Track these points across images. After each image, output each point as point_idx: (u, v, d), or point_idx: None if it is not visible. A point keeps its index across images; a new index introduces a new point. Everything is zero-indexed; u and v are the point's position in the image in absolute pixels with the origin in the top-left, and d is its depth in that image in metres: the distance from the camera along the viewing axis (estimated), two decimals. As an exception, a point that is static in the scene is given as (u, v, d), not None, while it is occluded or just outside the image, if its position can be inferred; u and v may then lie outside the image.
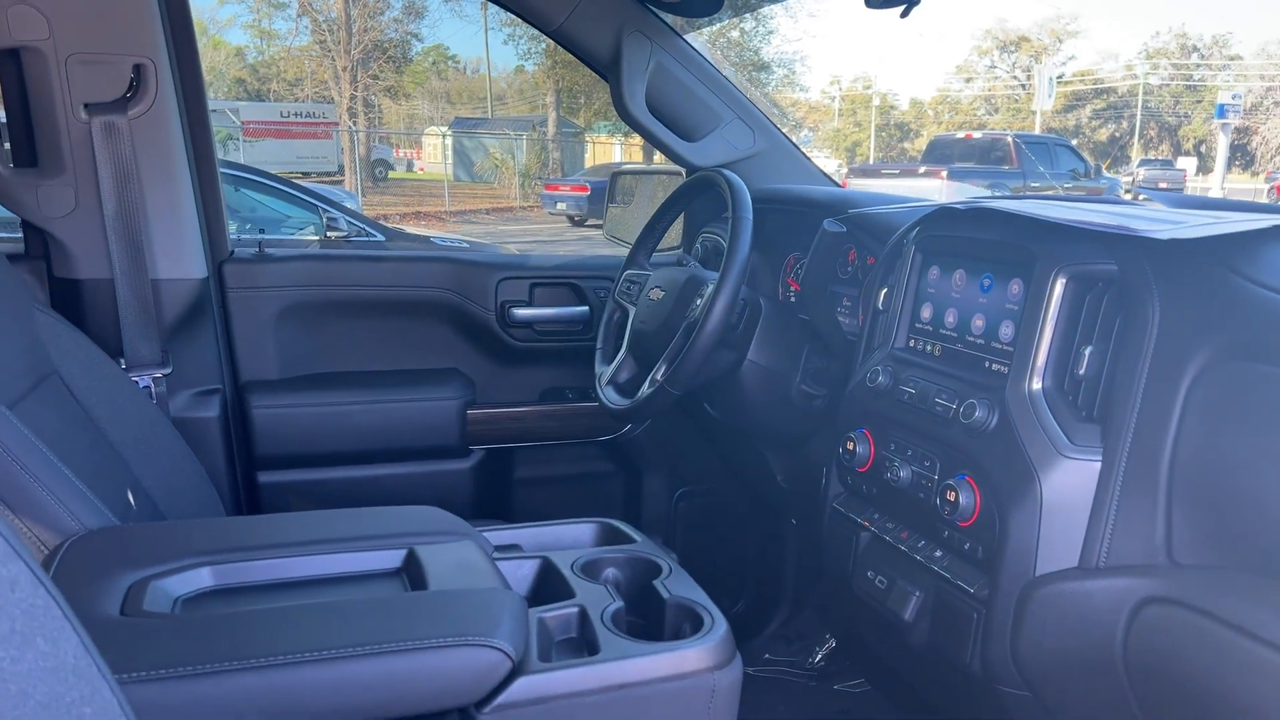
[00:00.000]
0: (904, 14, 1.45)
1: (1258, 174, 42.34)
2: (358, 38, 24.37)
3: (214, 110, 1.86)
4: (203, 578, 1.00)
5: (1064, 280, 1.05)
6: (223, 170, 1.86)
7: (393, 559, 1.07)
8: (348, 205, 8.08)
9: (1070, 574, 1.00)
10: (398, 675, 0.85)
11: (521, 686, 0.88)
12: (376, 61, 26.49)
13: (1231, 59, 47.33)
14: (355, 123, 24.69)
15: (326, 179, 21.67)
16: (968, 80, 51.91)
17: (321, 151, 24.12)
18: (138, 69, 1.62)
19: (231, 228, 1.93)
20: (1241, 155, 44.45)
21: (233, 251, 1.88)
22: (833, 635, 2.04)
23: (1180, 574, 0.92)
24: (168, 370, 1.69)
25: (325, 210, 6.52)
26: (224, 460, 1.80)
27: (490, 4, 1.95)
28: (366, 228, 6.77)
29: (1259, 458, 0.86)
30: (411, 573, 1.04)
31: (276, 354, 1.90)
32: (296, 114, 24.68)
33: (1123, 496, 0.97)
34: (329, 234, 6.26)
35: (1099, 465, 0.99)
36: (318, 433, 1.90)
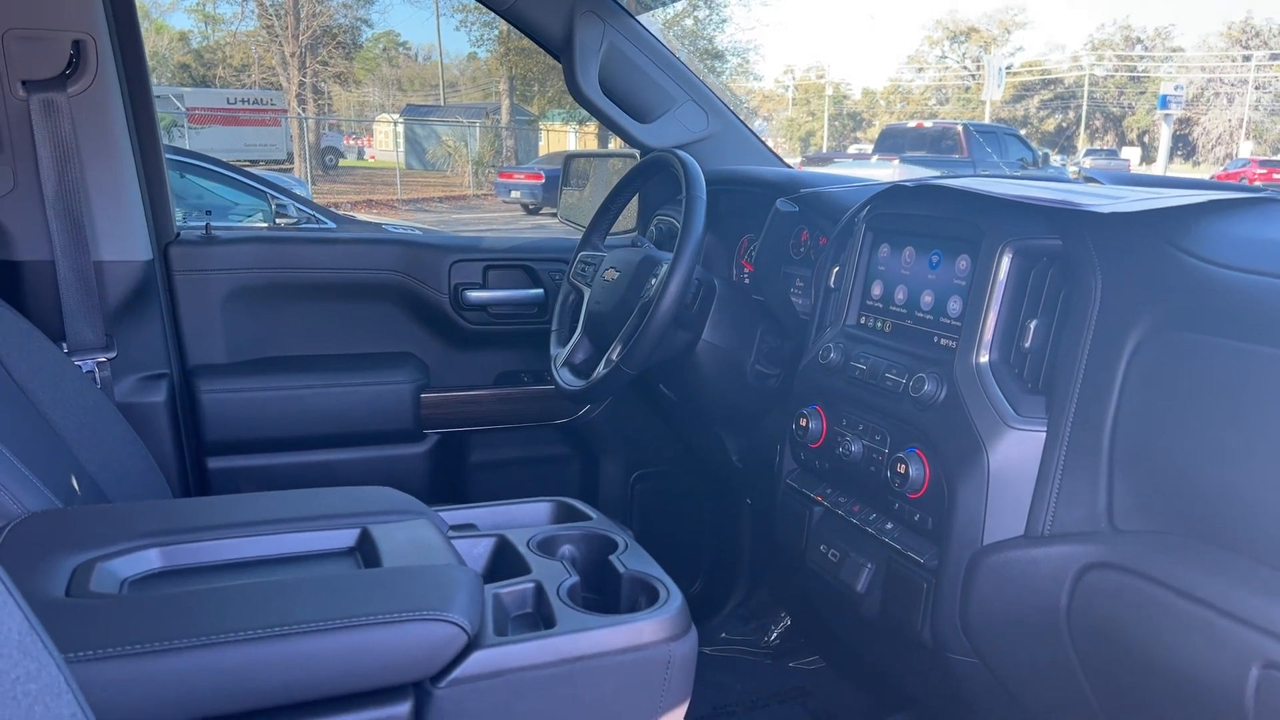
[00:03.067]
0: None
1: (1199, 164, 43.43)
2: (306, 23, 23.95)
3: (158, 96, 1.82)
4: (150, 559, 0.99)
5: (1010, 255, 1.07)
6: (167, 155, 1.82)
7: (346, 538, 1.07)
8: (297, 193, 7.95)
9: (1017, 542, 1.02)
10: (351, 651, 0.84)
11: (477, 660, 0.89)
12: (325, 47, 26.06)
13: (1174, 51, 48.43)
14: (304, 110, 24.26)
15: (275, 167, 21.31)
16: (919, 70, 52.51)
17: (270, 139, 23.70)
18: (77, 45, 1.57)
19: (178, 215, 1.89)
20: (1183, 145, 45.53)
21: (179, 233, 1.84)
22: (788, 613, 2.07)
23: (1121, 540, 0.95)
24: (112, 354, 1.65)
25: (274, 197, 6.41)
26: (172, 446, 1.77)
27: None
28: (317, 215, 6.67)
29: (1195, 424, 0.88)
30: (365, 551, 1.04)
31: (225, 338, 1.87)
32: (244, 100, 24.21)
33: (1067, 465, 0.99)
34: (278, 221, 6.16)
35: (1044, 435, 1.01)
36: (269, 418, 1.87)
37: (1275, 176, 28.11)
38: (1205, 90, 45.35)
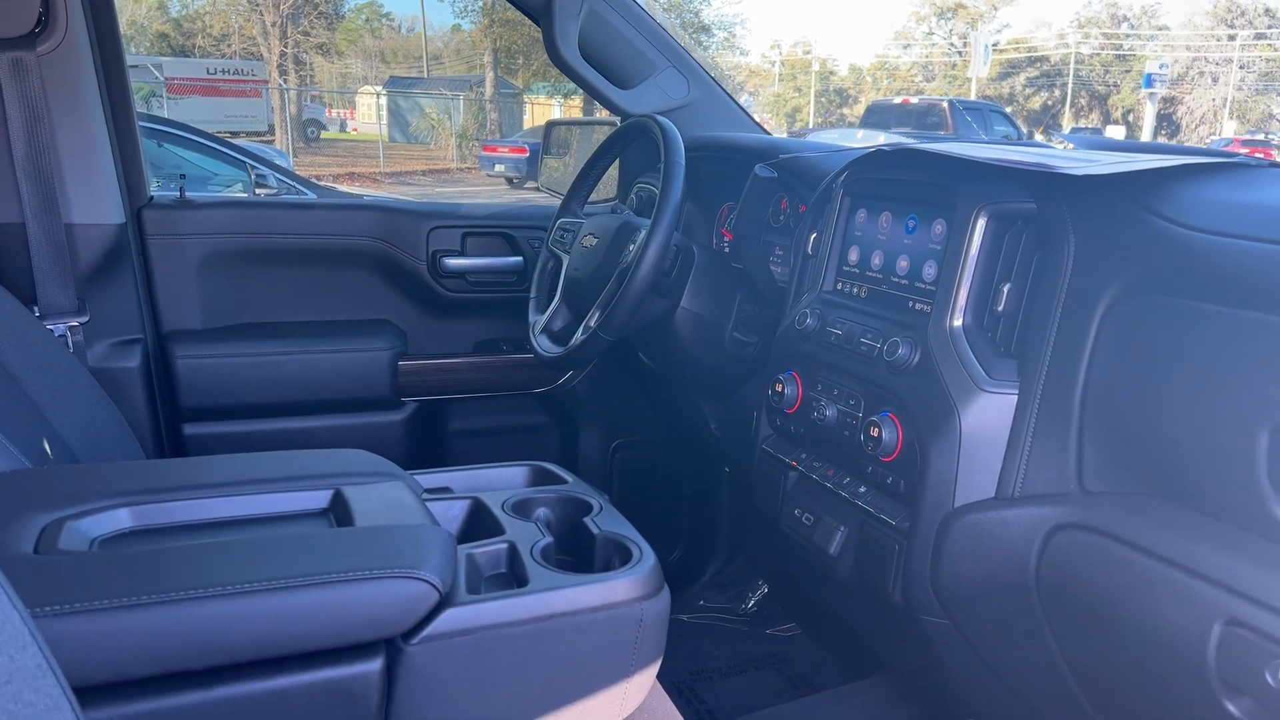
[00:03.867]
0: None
1: (1183, 143, 43.51)
2: (287, -9, 23.62)
3: (136, 66, 1.80)
4: (121, 519, 0.98)
5: (985, 219, 1.07)
6: (145, 124, 1.80)
7: (319, 499, 1.06)
8: (278, 164, 7.87)
9: (987, 504, 1.03)
10: (322, 608, 0.84)
11: (449, 618, 0.89)
12: (307, 17, 25.75)
13: (1159, 29, 48.43)
14: (286, 81, 23.99)
15: (256, 138, 21.09)
16: (905, 47, 52.32)
17: (250, 110, 23.43)
18: (46, 3, 1.55)
19: (154, 185, 1.87)
20: (1167, 124, 45.65)
21: (152, 197, 1.82)
22: (765, 581, 2.08)
23: (1090, 501, 0.96)
24: (85, 318, 1.64)
25: (254, 167, 6.34)
26: (147, 412, 1.76)
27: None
28: (297, 186, 6.61)
29: (1163, 386, 0.89)
30: (338, 512, 1.03)
31: (200, 303, 1.86)
32: (224, 71, 23.91)
33: (1038, 428, 1.00)
34: (258, 191, 6.09)
35: (1015, 398, 1.02)
36: (245, 384, 1.86)
37: (1256, 154, 28.24)
38: (1190, 69, 45.42)
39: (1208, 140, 36.06)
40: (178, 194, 1.85)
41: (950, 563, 1.06)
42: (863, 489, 1.18)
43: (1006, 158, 1.06)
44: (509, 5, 1.88)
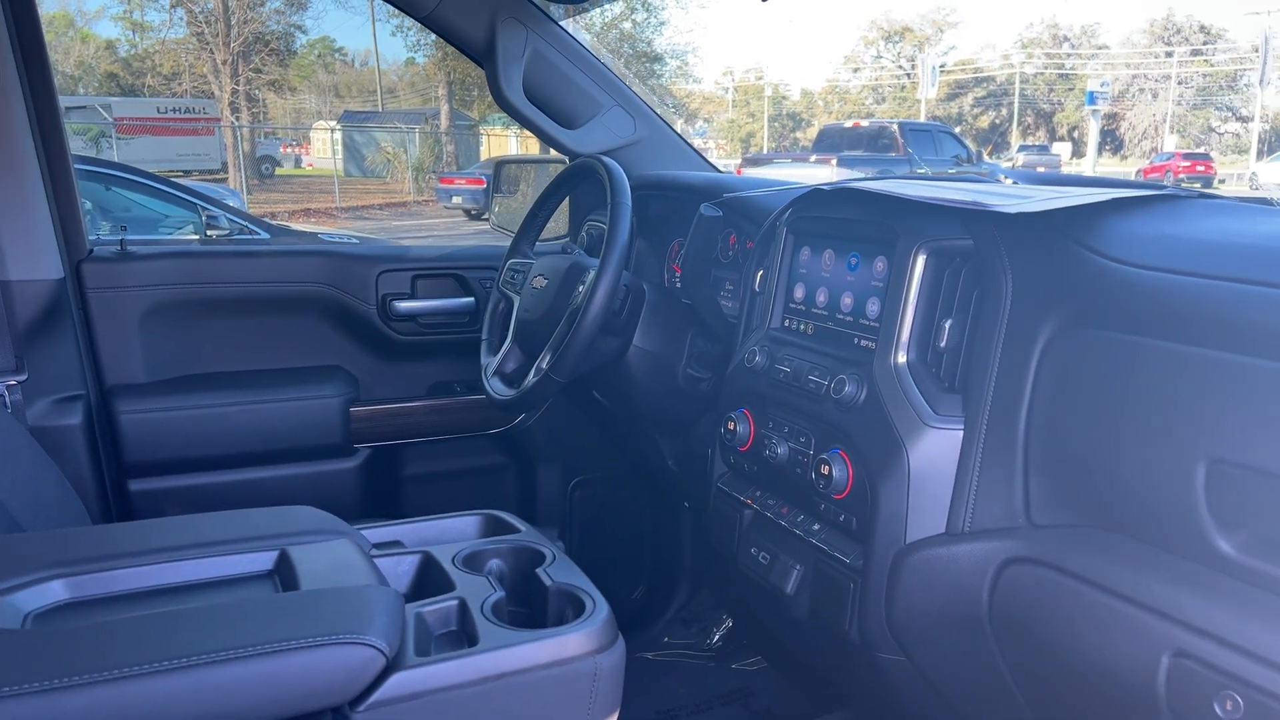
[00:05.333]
0: (765, -1, 1.47)
1: (1127, 158, 44.69)
2: (237, 30, 23.50)
3: (84, 106, 1.77)
4: (55, 591, 0.95)
5: (924, 256, 1.08)
6: (93, 169, 1.77)
7: (264, 561, 1.04)
8: (230, 203, 7.80)
9: (938, 540, 1.03)
10: (265, 678, 0.82)
11: (396, 682, 0.87)
12: (259, 54, 25.62)
13: (1099, 48, 49.79)
14: (238, 118, 23.81)
15: (209, 176, 20.88)
16: (855, 70, 53.27)
17: (202, 148, 23.22)
18: None
19: (104, 229, 1.84)
20: (1111, 140, 46.80)
21: (92, 250, 1.78)
22: (729, 615, 2.07)
23: (1038, 534, 0.96)
24: (22, 377, 1.60)
25: (204, 208, 6.26)
26: (90, 469, 1.72)
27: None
28: (250, 225, 6.54)
29: (1102, 419, 0.90)
30: (283, 574, 1.01)
31: (144, 356, 1.82)
32: (174, 109, 23.68)
33: (984, 463, 1.01)
34: (209, 233, 6.02)
35: (961, 434, 1.03)
36: (192, 437, 1.82)
37: (1198, 168, 29.06)
38: (1130, 86, 46.70)
39: (1150, 155, 37.00)
40: (118, 245, 1.82)
41: (904, 599, 1.06)
42: (816, 527, 1.18)
43: (943, 196, 1.07)
44: (462, 39, 1.88)
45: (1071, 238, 0.98)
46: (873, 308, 1.16)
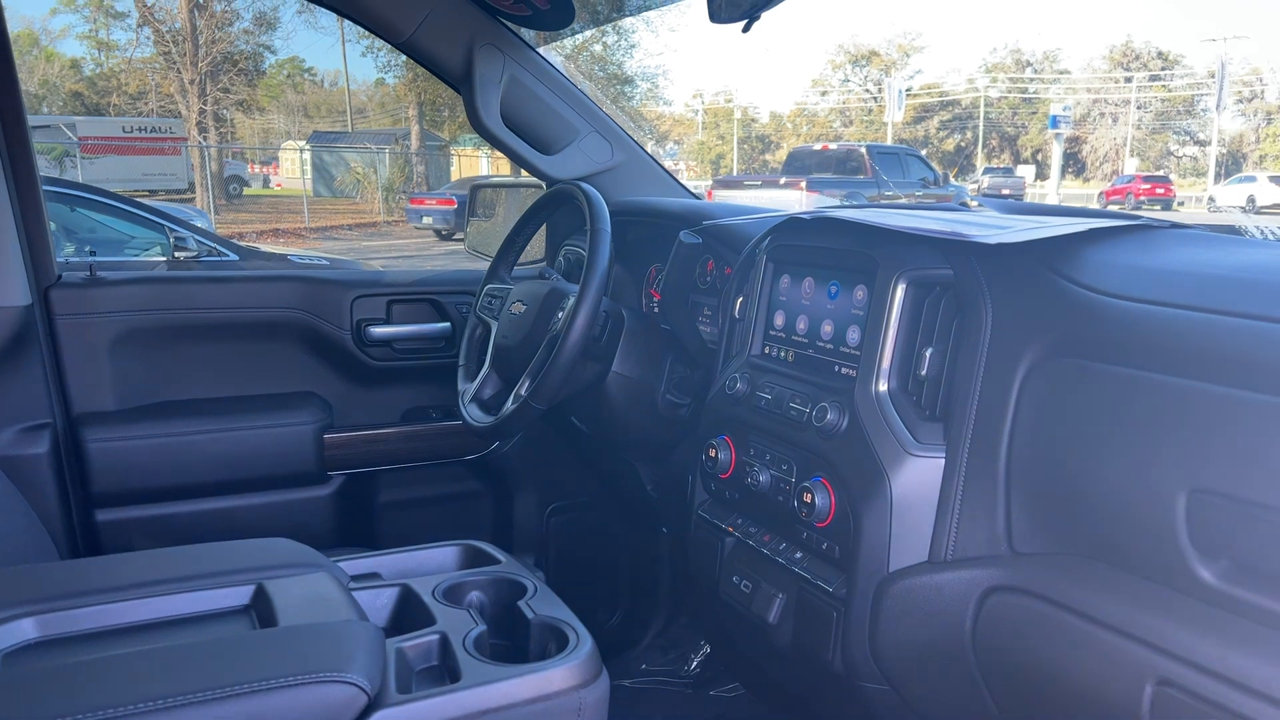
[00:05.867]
0: (745, 29, 1.49)
1: (1089, 180, 45.53)
2: (205, 49, 23.33)
3: (48, 125, 1.74)
4: (25, 629, 0.93)
5: (904, 285, 1.09)
6: (58, 189, 1.74)
7: (240, 596, 1.02)
8: (198, 224, 7.70)
9: (921, 568, 1.03)
10: (245, 719, 0.80)
11: None
12: (227, 74, 25.47)
13: (1061, 73, 50.78)
14: (205, 138, 23.62)
15: (176, 197, 20.70)
16: (823, 94, 53.92)
17: (169, 168, 22.99)
18: None
19: (68, 250, 1.81)
20: (1074, 163, 47.66)
21: (60, 276, 1.75)
22: (707, 641, 2.06)
23: (1020, 562, 0.97)
24: None
25: (172, 230, 6.19)
26: (57, 499, 1.68)
27: (346, 15, 1.89)
28: (218, 247, 6.47)
29: (1084, 447, 0.91)
30: (260, 609, 0.99)
31: (113, 383, 1.79)
32: (140, 129, 23.46)
33: (966, 491, 1.01)
34: (177, 254, 5.95)
35: (943, 462, 1.03)
36: (163, 465, 1.79)
37: (1158, 191, 29.65)
38: (1092, 110, 47.64)
39: (1111, 177, 37.71)
40: (88, 270, 1.79)
41: (888, 628, 1.06)
42: (799, 555, 1.18)
43: (923, 226, 1.08)
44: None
45: (1050, 268, 1.00)
46: (853, 336, 1.17)
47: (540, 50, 1.92)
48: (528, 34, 1.91)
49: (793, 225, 1.32)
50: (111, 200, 6.51)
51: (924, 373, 1.07)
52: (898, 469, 1.04)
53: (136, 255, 6.21)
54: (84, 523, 1.76)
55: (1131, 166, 40.23)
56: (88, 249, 5.69)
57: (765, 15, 1.42)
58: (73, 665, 0.87)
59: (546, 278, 1.72)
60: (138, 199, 8.20)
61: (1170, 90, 47.60)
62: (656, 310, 1.75)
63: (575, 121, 1.94)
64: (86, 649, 0.93)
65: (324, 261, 7.39)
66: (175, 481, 1.80)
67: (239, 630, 0.97)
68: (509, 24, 1.84)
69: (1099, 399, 0.90)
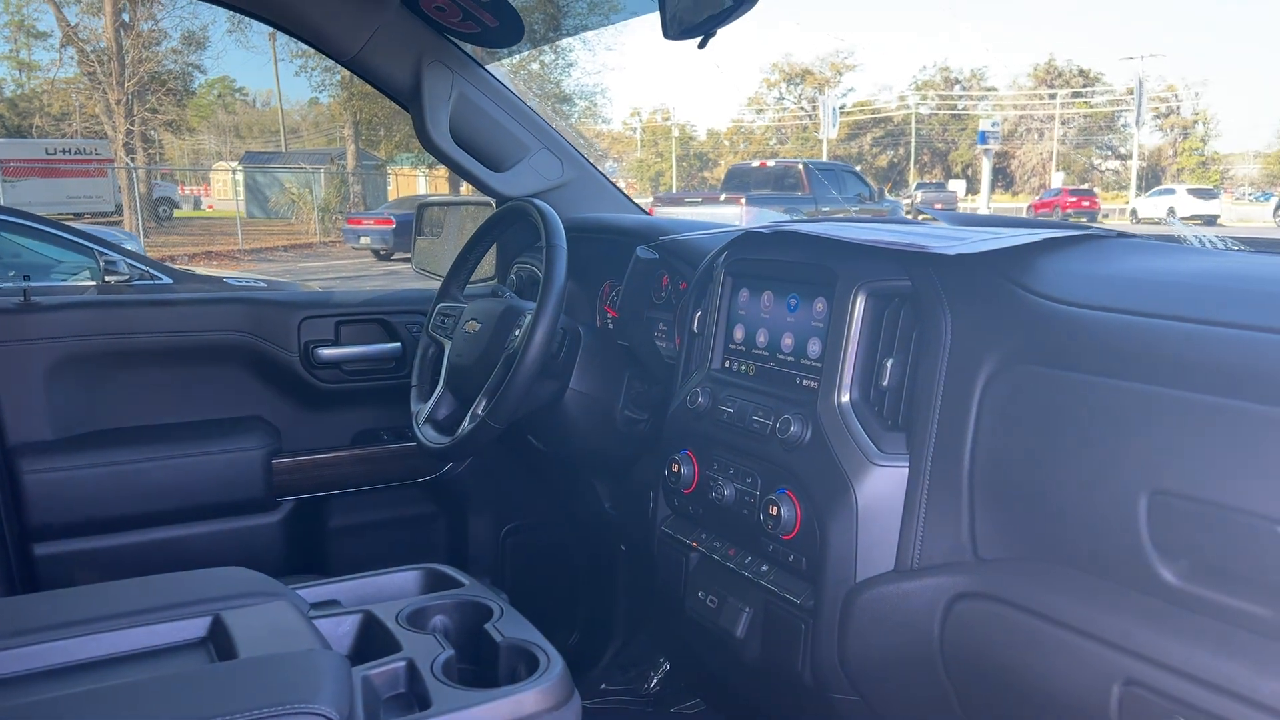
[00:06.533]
0: (701, 45, 1.50)
1: (1018, 193, 46.82)
2: (132, 69, 22.77)
3: (-37, 148, 1.67)
4: (-34, 672, 0.88)
5: (863, 297, 1.10)
6: (-23, 213, 1.67)
7: (196, 628, 0.98)
8: (127, 247, 7.50)
9: (888, 577, 1.04)
10: None
11: None
12: (155, 94, 24.89)
13: (988, 90, 52.21)
14: (133, 159, 23.02)
15: (103, 219, 20.15)
16: (759, 111, 54.68)
17: (95, 190, 22.39)
18: None
19: (-7, 275, 1.74)
20: (1003, 177, 48.99)
21: (-10, 302, 1.69)
22: (667, 658, 2.05)
23: (985, 568, 0.98)
24: None
25: (101, 253, 6.00)
26: None
27: (280, 34, 1.86)
28: (151, 270, 6.30)
29: (1045, 453, 0.92)
30: (218, 642, 0.96)
31: (50, 412, 1.72)
32: (64, 151, 22.83)
33: (930, 499, 1.02)
34: (107, 279, 5.77)
35: (907, 471, 1.04)
36: (104, 495, 1.73)
37: (1084, 203, 30.64)
38: (1019, 126, 49.06)
39: (1039, 191, 38.82)
40: (21, 295, 1.73)
41: (856, 639, 1.06)
42: (765, 568, 1.18)
43: (880, 238, 1.10)
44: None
45: (1007, 277, 1.01)
46: (814, 348, 1.17)
47: (489, 68, 1.91)
48: (476, 51, 1.90)
49: (750, 240, 1.32)
50: (36, 223, 6.31)
51: (885, 383, 1.08)
52: (862, 479, 1.05)
53: (64, 280, 6.02)
54: (20, 557, 1.69)
55: (1058, 180, 41.49)
56: (11, 274, 5.49)
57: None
58: (21, 707, 0.83)
59: (500, 295, 1.70)
60: (63, 222, 7.96)
61: (1092, 106, 49.26)
62: (612, 326, 1.74)
63: (525, 138, 1.93)
64: (33, 689, 0.89)
65: (262, 284, 7.24)
66: (117, 512, 1.74)
67: (197, 664, 0.94)
68: (457, 41, 1.83)
69: (1058, 405, 0.92)
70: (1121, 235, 1.17)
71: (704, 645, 1.41)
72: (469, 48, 1.87)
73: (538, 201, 1.54)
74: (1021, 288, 1.00)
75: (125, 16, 22.49)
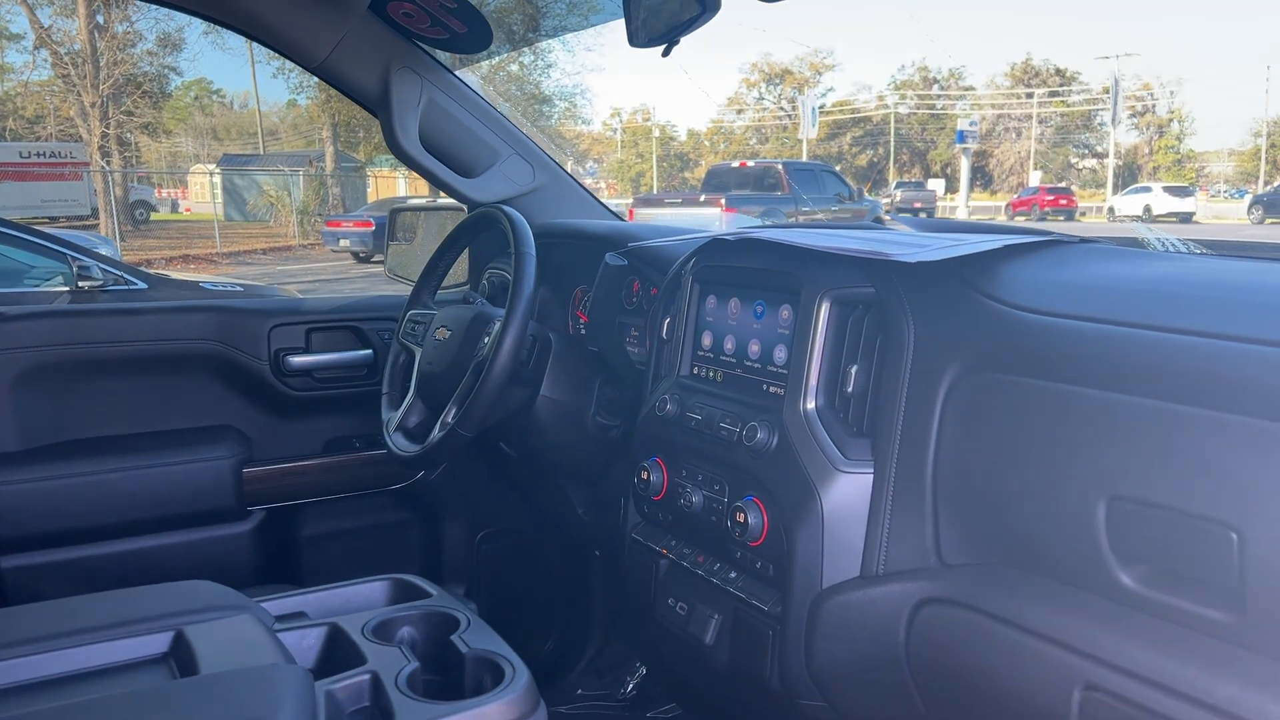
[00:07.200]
0: (665, 53, 1.50)
1: (996, 192, 47.14)
2: (107, 71, 22.55)
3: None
4: (-79, 692, 0.87)
5: (828, 304, 1.11)
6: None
7: (158, 644, 0.98)
8: (103, 251, 7.43)
9: (854, 584, 1.04)
10: None
11: None
12: (130, 97, 24.67)
13: (966, 90, 52.54)
14: (109, 162, 22.80)
15: (78, 223, 19.95)
16: (739, 112, 54.80)
17: (70, 194, 22.13)
18: None
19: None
20: (981, 176, 49.31)
21: (-45, 312, 1.67)
22: (643, 663, 2.05)
23: (949, 574, 0.98)
24: None
25: (75, 258, 5.94)
26: None
27: (255, 36, 1.84)
28: (125, 275, 6.24)
29: (1006, 459, 0.93)
30: (180, 657, 0.95)
31: (16, 423, 1.70)
32: (39, 154, 22.54)
33: (894, 505, 1.03)
34: (80, 284, 5.71)
35: (872, 477, 1.04)
36: (71, 507, 1.71)
37: (1061, 202, 30.87)
38: (996, 125, 49.40)
39: (1017, 189, 39.11)
40: (-14, 305, 1.71)
41: (823, 645, 1.06)
42: (734, 575, 1.18)
43: (844, 246, 1.10)
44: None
45: (969, 284, 1.02)
46: (780, 355, 1.18)
47: (458, 73, 1.90)
48: (445, 57, 1.90)
49: (717, 246, 1.32)
50: (9, 228, 6.24)
51: (850, 390, 1.08)
52: (827, 486, 1.05)
53: (37, 286, 5.96)
54: None
55: (1036, 179, 41.78)
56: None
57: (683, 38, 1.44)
58: (-25, 728, 0.82)
59: (471, 302, 1.70)
60: (37, 226, 7.88)
61: (1069, 105, 49.67)
62: (584, 332, 1.74)
63: (495, 144, 1.92)
64: None
65: (238, 288, 7.18)
66: (85, 524, 1.72)
67: (156, 680, 0.93)
68: (426, 47, 1.82)
69: (1019, 411, 0.92)
70: (1084, 240, 1.18)
71: (675, 652, 1.41)
72: (441, 54, 1.87)
73: (507, 208, 1.54)
74: (983, 295, 1.00)
75: (100, 18, 22.28)
